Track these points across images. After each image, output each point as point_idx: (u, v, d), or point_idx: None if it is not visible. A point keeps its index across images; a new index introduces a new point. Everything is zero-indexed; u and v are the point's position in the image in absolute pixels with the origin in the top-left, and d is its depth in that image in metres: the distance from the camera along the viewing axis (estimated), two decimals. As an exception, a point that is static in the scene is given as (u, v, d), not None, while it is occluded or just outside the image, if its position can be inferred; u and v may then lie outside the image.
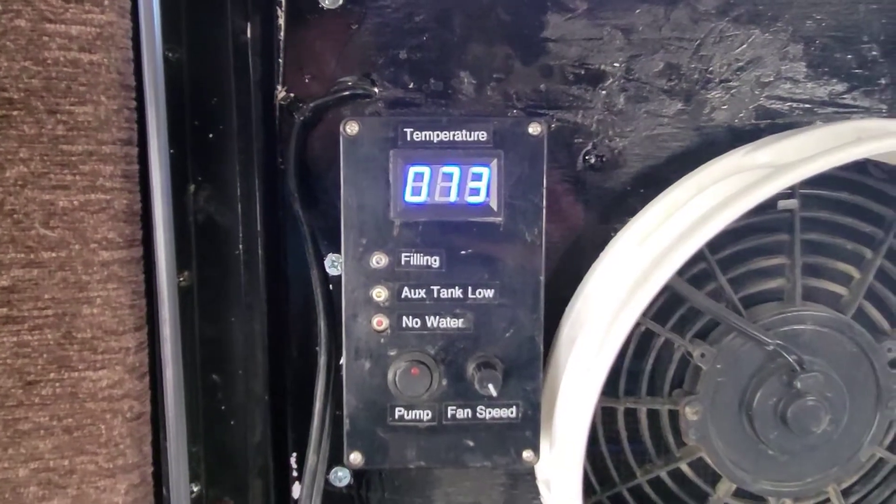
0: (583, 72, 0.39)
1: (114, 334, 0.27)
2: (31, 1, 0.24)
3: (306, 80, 0.38)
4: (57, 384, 0.26)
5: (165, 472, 0.30)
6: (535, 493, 0.42)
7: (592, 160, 0.40)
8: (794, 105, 0.40)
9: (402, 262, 0.34)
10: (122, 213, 0.27)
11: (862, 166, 0.41)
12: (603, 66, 0.39)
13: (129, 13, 0.26)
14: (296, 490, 0.41)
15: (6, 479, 0.26)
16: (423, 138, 0.33)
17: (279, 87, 0.38)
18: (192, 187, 0.36)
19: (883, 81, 0.41)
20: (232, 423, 0.36)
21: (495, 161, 0.33)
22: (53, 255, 0.26)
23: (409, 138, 0.33)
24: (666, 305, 0.41)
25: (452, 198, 0.33)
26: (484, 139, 0.33)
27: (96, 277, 0.26)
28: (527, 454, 0.36)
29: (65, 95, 0.25)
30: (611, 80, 0.39)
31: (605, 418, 0.43)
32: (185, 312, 0.33)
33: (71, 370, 0.26)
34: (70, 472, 0.27)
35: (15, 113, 0.25)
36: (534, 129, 0.33)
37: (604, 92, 0.39)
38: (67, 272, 0.26)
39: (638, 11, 0.39)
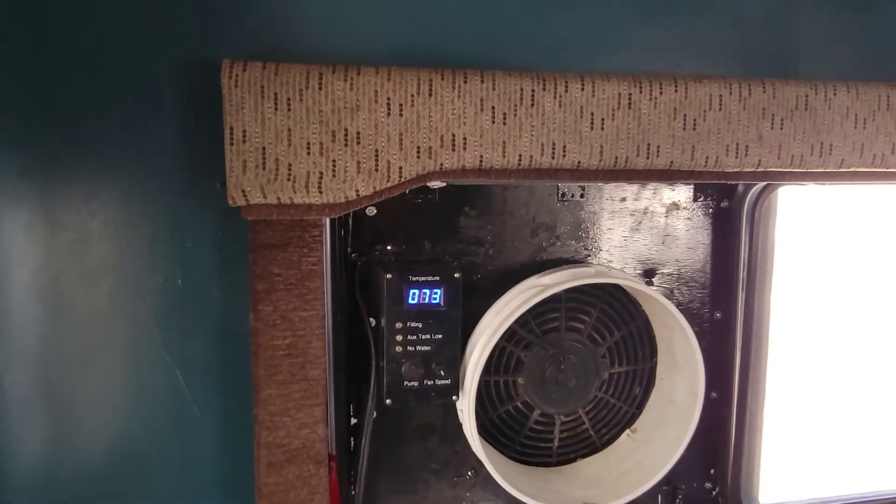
0: (475, 240, 0.93)
1: (317, 357, 0.77)
2: (297, 236, 0.75)
3: (361, 247, 0.89)
4: (300, 375, 0.77)
5: (329, 408, 0.82)
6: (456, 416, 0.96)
7: (479, 277, 0.94)
8: (560, 254, 0.96)
9: (408, 325, 0.86)
10: (320, 317, 0.77)
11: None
12: (482, 237, 0.93)
13: (325, 252, 0.77)
14: (351, 421, 0.92)
15: (286, 408, 0.76)
16: (416, 279, 0.85)
17: (350, 250, 0.89)
18: None
19: (589, 250, 0.97)
20: (338, 392, 0.87)
21: (442, 288, 0.86)
22: (301, 332, 0.76)
23: (410, 279, 0.85)
24: (509, 335, 0.96)
25: (427, 301, 0.86)
26: (437, 279, 0.86)
27: (314, 339, 0.76)
28: (454, 397, 0.89)
29: (306, 280, 0.75)
30: (486, 244, 0.93)
31: (484, 385, 0.97)
32: (335, 348, 0.84)
33: (305, 370, 0.77)
34: (305, 405, 0.77)
35: (292, 287, 0.75)
36: (457, 274, 0.87)
37: (483, 249, 0.93)
38: (306, 338, 0.76)
39: (500, 217, 0.93)
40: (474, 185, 0.91)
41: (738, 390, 1.01)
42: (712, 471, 1.05)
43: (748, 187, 0.98)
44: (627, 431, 1.02)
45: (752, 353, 1.01)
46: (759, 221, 0.99)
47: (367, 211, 0.88)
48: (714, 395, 1.02)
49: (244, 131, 0.70)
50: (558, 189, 0.94)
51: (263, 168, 0.71)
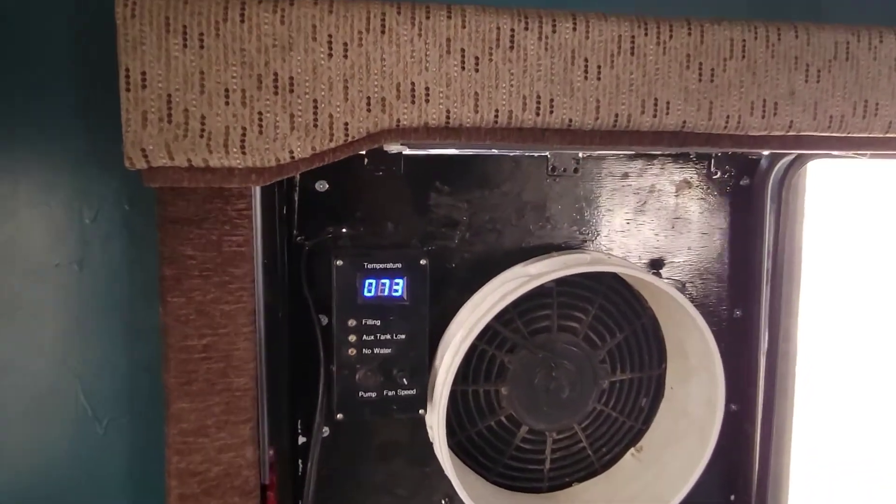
0: (448, 221, 0.78)
1: (245, 362, 0.62)
2: (221, 222, 0.60)
3: (310, 229, 0.74)
4: (222, 384, 0.61)
5: (262, 425, 0.66)
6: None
7: (454, 264, 0.79)
8: (550, 239, 0.81)
9: (363, 323, 0.71)
10: (248, 311, 0.62)
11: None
12: (457, 218, 0.78)
13: (255, 231, 0.62)
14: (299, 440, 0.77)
15: (204, 425, 0.61)
16: (372, 266, 0.70)
17: (295, 233, 0.74)
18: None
19: (585, 234, 0.82)
20: (279, 405, 0.72)
21: (405, 277, 0.71)
22: (223, 330, 0.61)
23: (366, 267, 0.70)
24: (490, 336, 0.80)
25: (386, 293, 0.71)
26: (399, 267, 0.71)
27: (241, 338, 0.61)
28: (421, 411, 0.74)
29: (230, 265, 0.60)
30: (461, 225, 0.78)
31: (460, 396, 0.82)
32: (269, 352, 0.69)
33: (228, 378, 0.61)
34: (228, 421, 0.61)
35: (211, 273, 0.60)
36: (423, 261, 0.72)
37: (458, 231, 0.78)
38: (228, 336, 0.61)
39: (478, 194, 0.78)
40: (446, 153, 0.76)
41: (762, 401, 0.86)
42: (732, 496, 0.89)
43: (773, 161, 0.83)
44: (632, 450, 0.87)
45: (779, 358, 0.85)
46: (786, 202, 0.84)
47: (317, 186, 0.73)
48: (734, 407, 0.86)
49: (143, 74, 0.55)
50: (548, 161, 0.79)
51: (169, 121, 0.56)
